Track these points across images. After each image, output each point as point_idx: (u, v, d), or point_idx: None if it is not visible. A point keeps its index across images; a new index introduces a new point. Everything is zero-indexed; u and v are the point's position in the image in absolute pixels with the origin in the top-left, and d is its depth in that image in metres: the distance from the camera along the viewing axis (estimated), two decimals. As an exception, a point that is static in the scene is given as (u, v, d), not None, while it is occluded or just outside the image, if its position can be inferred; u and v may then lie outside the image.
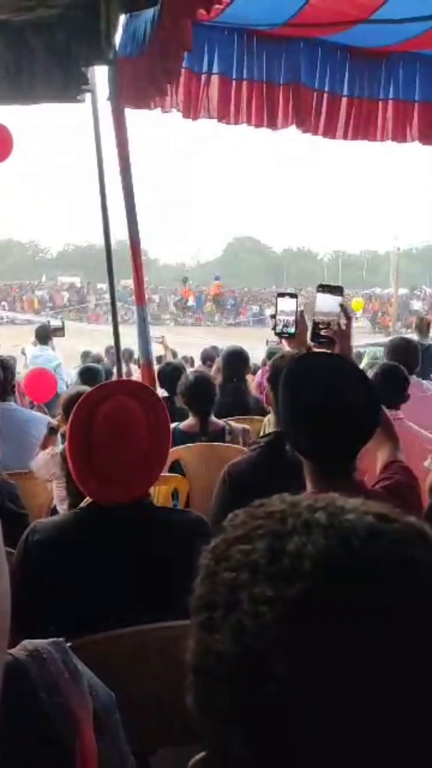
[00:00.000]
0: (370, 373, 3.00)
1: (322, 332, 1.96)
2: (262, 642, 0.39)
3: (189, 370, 4.70)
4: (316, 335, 1.98)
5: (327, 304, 1.98)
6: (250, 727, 0.39)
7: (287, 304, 2.27)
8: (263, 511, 0.46)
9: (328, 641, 0.38)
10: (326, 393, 1.43)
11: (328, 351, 1.94)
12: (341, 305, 1.97)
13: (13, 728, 0.72)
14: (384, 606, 0.39)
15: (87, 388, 1.84)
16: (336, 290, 1.99)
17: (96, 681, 0.86)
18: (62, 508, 2.66)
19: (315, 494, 0.48)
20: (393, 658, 0.38)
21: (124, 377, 4.77)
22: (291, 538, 0.42)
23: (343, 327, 1.94)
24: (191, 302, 33.35)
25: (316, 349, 2.02)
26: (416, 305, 32.25)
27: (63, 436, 3.07)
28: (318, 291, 2.02)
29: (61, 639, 0.86)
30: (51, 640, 0.86)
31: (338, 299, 1.97)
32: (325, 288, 2.00)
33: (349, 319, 1.97)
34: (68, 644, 0.86)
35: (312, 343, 2.04)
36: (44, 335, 7.24)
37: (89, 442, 1.45)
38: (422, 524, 0.45)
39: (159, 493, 2.83)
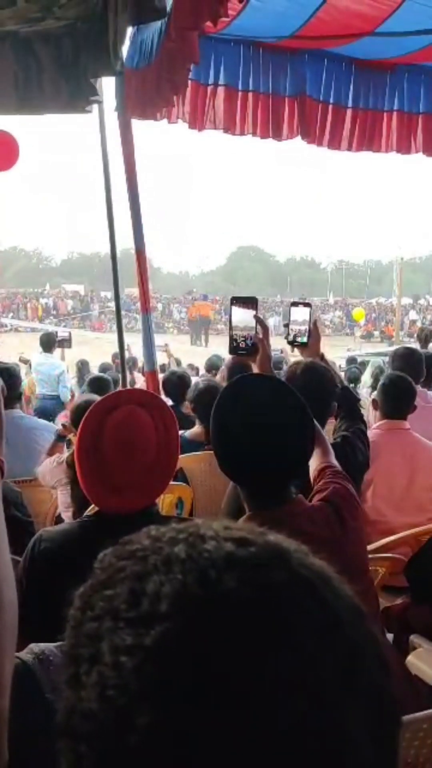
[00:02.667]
0: (378, 383, 3.00)
1: (241, 344, 1.97)
2: (124, 695, 0.37)
3: (196, 378, 4.70)
4: (235, 348, 1.98)
5: (242, 317, 1.98)
6: None
7: (300, 314, 2.28)
8: (127, 551, 0.44)
9: (185, 688, 0.36)
10: (252, 431, 1.39)
11: (252, 361, 1.97)
12: (255, 316, 1.97)
13: (20, 728, 0.73)
14: (239, 643, 0.37)
15: (97, 397, 1.85)
16: (249, 302, 2.00)
17: None
18: (67, 515, 2.66)
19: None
20: (252, 701, 0.36)
21: (129, 385, 4.77)
22: (151, 578, 0.40)
23: (260, 336, 1.96)
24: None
25: (238, 361, 2.02)
26: (413, 315, 32.18)
27: (69, 443, 3.07)
28: (232, 305, 2.01)
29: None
30: (58, 643, 0.87)
31: (252, 311, 1.98)
32: (239, 301, 2.00)
33: (265, 328, 1.99)
34: None
35: (232, 355, 2.05)
36: (48, 343, 7.27)
37: (98, 451, 1.45)
38: (281, 541, 0.43)
39: (163, 502, 2.84)
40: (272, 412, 1.42)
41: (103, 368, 8.47)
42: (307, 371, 2.18)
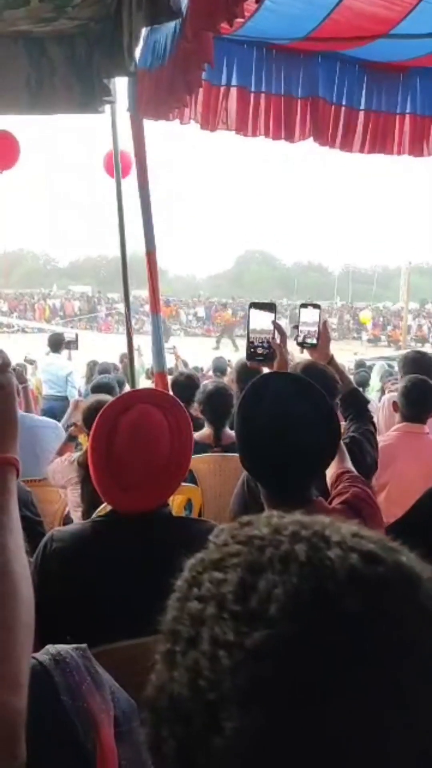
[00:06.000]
0: (398, 386, 2.97)
1: (258, 350, 1.95)
2: (215, 690, 0.36)
3: (205, 381, 4.68)
4: (252, 354, 1.96)
5: (260, 321, 1.96)
6: None
7: (310, 315, 2.27)
8: (245, 535, 0.42)
9: (279, 702, 0.34)
10: (277, 426, 1.38)
11: (268, 366, 1.94)
12: (273, 321, 1.96)
13: (35, 729, 0.73)
14: (345, 674, 0.35)
15: (108, 397, 1.84)
16: (268, 307, 1.98)
17: (117, 688, 0.86)
18: (76, 515, 2.65)
19: (304, 514, 0.44)
20: (347, 738, 0.34)
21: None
22: (264, 574, 0.38)
23: (278, 341, 1.94)
24: (201, 313, 33.44)
25: (254, 366, 2.01)
26: (409, 320, 31.98)
27: (79, 443, 3.07)
28: (251, 308, 1.99)
29: (83, 645, 0.87)
30: (74, 645, 0.87)
31: (271, 316, 1.96)
32: (257, 305, 1.99)
33: (282, 334, 1.96)
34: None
35: (250, 362, 2.03)
36: (56, 344, 7.29)
37: (112, 450, 1.45)
38: (413, 565, 0.40)
39: (172, 503, 2.83)
40: (297, 410, 1.40)
41: (103, 369, 8.39)
42: (307, 370, 2.16)
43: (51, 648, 0.85)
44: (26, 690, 0.70)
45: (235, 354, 16.21)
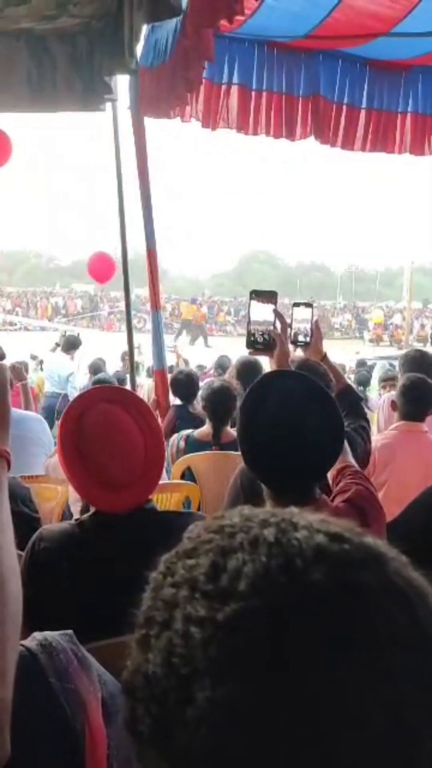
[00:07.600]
0: (397, 384, 2.96)
1: (259, 338, 1.93)
2: (189, 665, 0.37)
3: (207, 378, 4.68)
4: (252, 343, 1.94)
5: (261, 312, 1.94)
6: (167, 754, 0.37)
7: (302, 314, 2.28)
8: (217, 525, 0.44)
9: (249, 671, 0.36)
10: (282, 426, 1.36)
11: (269, 356, 1.92)
12: (274, 311, 1.94)
13: (24, 711, 0.74)
14: (314, 639, 0.36)
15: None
16: (269, 295, 1.96)
17: (103, 671, 0.88)
18: (75, 508, 2.66)
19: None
20: (318, 699, 0.35)
21: (136, 387, 4.77)
22: (234, 555, 0.40)
23: (279, 331, 1.92)
24: (204, 310, 33.45)
25: (254, 356, 1.97)
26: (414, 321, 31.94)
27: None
28: (252, 297, 1.96)
29: (69, 631, 0.88)
30: (59, 632, 0.88)
31: (271, 306, 1.95)
32: (258, 294, 1.96)
33: (284, 324, 1.94)
34: None
35: (249, 350, 2.01)
36: (69, 345, 7.36)
37: (82, 454, 1.44)
38: (379, 545, 0.42)
39: (170, 501, 2.83)
40: (302, 410, 1.38)
41: (96, 368, 8.36)
42: (301, 367, 2.16)
43: (37, 635, 0.86)
44: (11, 682, 0.71)
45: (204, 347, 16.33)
